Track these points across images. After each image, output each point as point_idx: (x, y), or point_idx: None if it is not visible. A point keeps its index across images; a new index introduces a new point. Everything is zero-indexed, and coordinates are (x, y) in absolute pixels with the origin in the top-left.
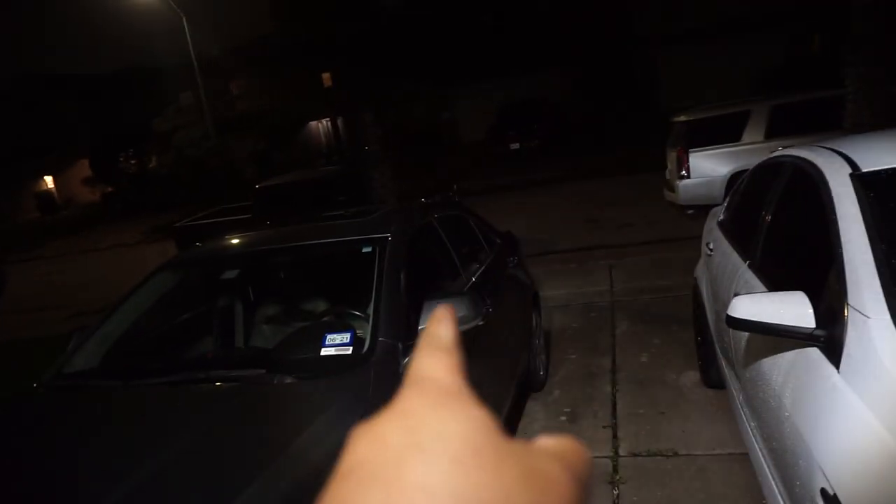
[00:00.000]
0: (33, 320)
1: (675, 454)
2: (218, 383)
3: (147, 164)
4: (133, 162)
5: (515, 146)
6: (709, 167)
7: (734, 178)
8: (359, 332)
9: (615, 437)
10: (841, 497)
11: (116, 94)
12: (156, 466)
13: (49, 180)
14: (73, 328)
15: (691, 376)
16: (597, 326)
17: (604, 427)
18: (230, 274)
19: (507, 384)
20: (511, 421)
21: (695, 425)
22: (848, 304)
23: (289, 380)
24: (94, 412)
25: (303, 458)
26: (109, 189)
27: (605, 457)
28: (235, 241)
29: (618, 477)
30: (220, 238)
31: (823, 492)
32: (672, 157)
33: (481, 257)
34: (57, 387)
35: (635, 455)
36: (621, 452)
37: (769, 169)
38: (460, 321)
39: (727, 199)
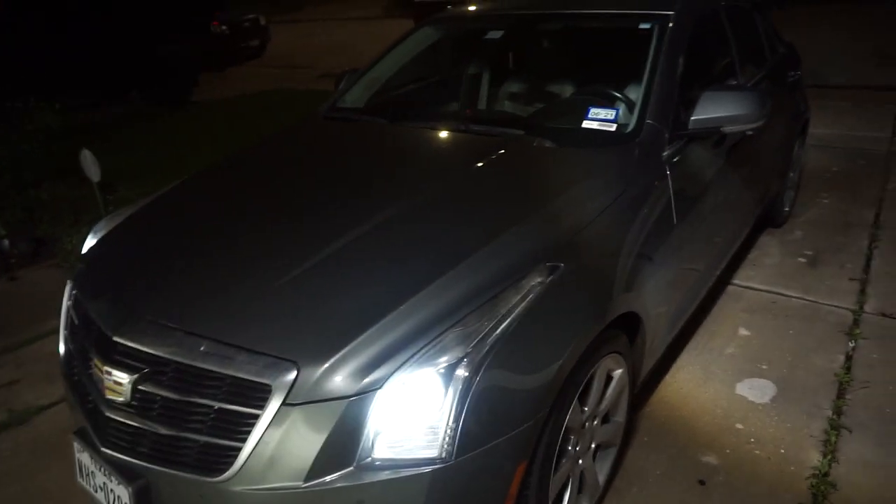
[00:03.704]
0: (289, 75)
1: None
2: (478, 137)
3: None
4: None
5: None
6: None
7: None
8: (627, 111)
9: (862, 291)
10: None
11: None
12: (414, 201)
13: None
14: (343, 71)
15: None
16: (865, 174)
17: (850, 279)
18: (493, 35)
19: (749, 208)
20: (743, 249)
21: None
22: None
23: (548, 144)
24: (363, 141)
25: (556, 221)
26: None
27: (846, 308)
28: (497, 4)
29: (857, 331)
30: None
31: None
32: None
33: (762, 62)
34: (331, 117)
35: (884, 315)
36: (867, 309)
37: None
38: (744, 119)
39: None
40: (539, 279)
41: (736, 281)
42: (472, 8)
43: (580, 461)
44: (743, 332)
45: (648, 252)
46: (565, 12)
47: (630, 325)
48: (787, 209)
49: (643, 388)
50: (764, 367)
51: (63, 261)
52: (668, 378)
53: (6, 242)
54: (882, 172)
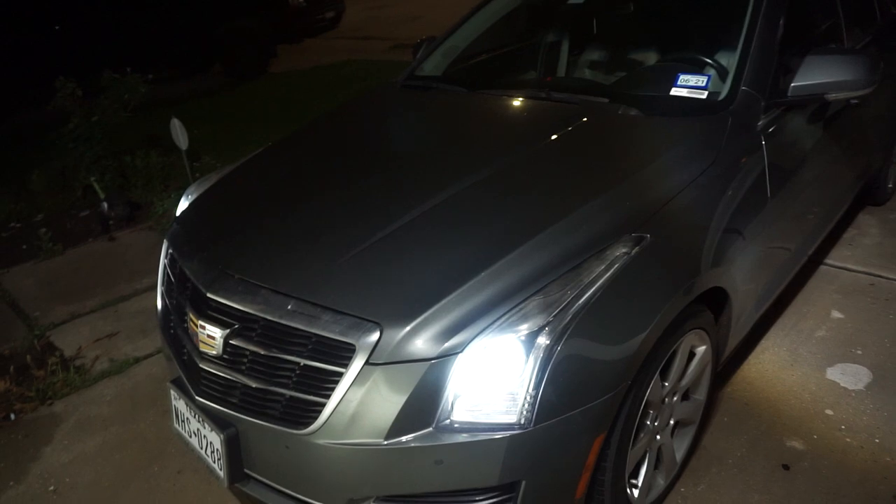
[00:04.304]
0: (364, 46)
1: None
2: (560, 105)
3: None
4: None
5: None
6: None
7: None
8: (722, 76)
9: None
10: None
11: None
12: (495, 169)
13: None
14: (420, 39)
15: None
16: None
17: None
18: (575, 0)
19: (849, 184)
20: (839, 227)
21: None
22: None
23: (633, 112)
24: (441, 109)
25: (642, 191)
26: None
27: None
28: None
29: None
30: None
31: None
32: None
33: (871, 24)
34: (411, 86)
35: None
36: None
37: None
38: (852, 86)
39: None
40: (623, 250)
41: (830, 260)
42: None
43: (658, 437)
44: (836, 314)
45: (739, 227)
46: None
47: (716, 301)
48: (890, 185)
49: (726, 366)
50: (858, 352)
51: (156, 223)
52: (752, 358)
53: (105, 206)
54: None
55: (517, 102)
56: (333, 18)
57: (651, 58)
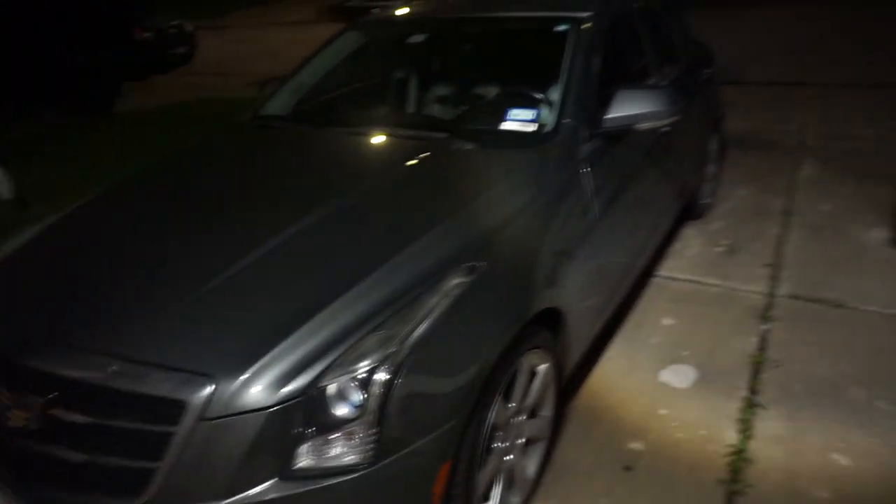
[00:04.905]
0: (217, 83)
1: (841, 306)
2: (402, 141)
3: None
4: None
5: None
6: None
7: None
8: (546, 110)
9: (775, 276)
10: None
11: None
12: (335, 207)
13: None
14: (267, 79)
15: (879, 234)
16: (778, 165)
17: (764, 265)
18: (416, 39)
19: (669, 202)
20: (666, 242)
21: (871, 282)
22: None
23: (470, 146)
24: (286, 149)
25: (476, 221)
26: None
27: (759, 293)
28: (420, 7)
29: (770, 314)
30: (406, 4)
31: None
32: None
33: (674, 62)
34: (255, 125)
35: (795, 297)
36: (779, 293)
37: None
38: (657, 116)
39: None
40: (458, 280)
41: (661, 272)
42: (396, 12)
43: (508, 457)
44: (667, 321)
45: (569, 248)
46: (485, 16)
47: (553, 320)
48: (706, 201)
49: (572, 380)
50: (685, 353)
51: None
52: (596, 370)
53: None
54: (792, 163)
55: (362, 140)
56: (185, 54)
57: (489, 93)
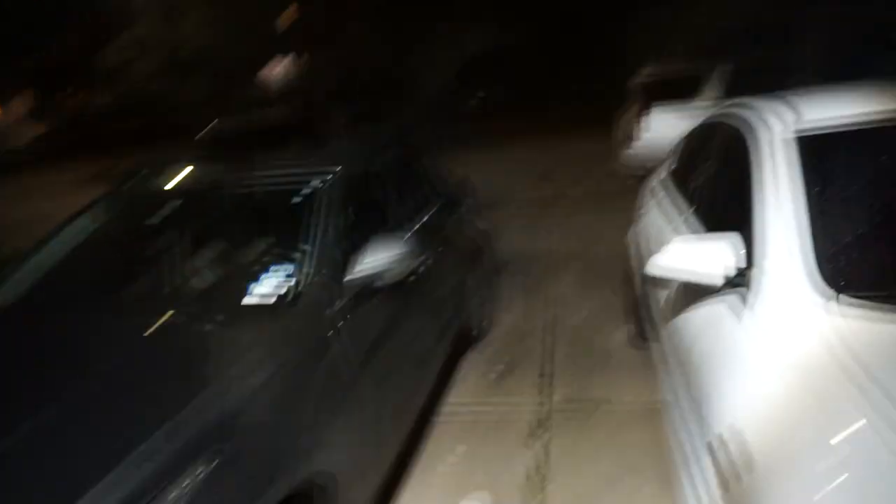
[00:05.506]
0: None
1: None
2: (139, 324)
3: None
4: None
5: (475, 98)
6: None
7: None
8: (292, 273)
9: (550, 385)
10: (727, 450)
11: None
12: (71, 400)
13: None
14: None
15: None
16: (541, 280)
17: (540, 375)
18: (161, 213)
19: (438, 338)
20: (448, 373)
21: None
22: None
23: (211, 323)
24: (18, 338)
25: (218, 401)
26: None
27: (538, 403)
28: (170, 178)
29: (549, 422)
30: (155, 174)
31: (709, 445)
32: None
33: (425, 207)
34: None
35: (568, 401)
36: (555, 398)
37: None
38: (397, 266)
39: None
40: (202, 467)
41: (449, 402)
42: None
43: None
44: (460, 448)
45: (330, 409)
46: (226, 192)
47: (322, 486)
48: (477, 331)
49: None
50: (479, 479)
51: None
52: None
53: None
54: (553, 275)
55: (96, 320)
56: None
57: (236, 264)
